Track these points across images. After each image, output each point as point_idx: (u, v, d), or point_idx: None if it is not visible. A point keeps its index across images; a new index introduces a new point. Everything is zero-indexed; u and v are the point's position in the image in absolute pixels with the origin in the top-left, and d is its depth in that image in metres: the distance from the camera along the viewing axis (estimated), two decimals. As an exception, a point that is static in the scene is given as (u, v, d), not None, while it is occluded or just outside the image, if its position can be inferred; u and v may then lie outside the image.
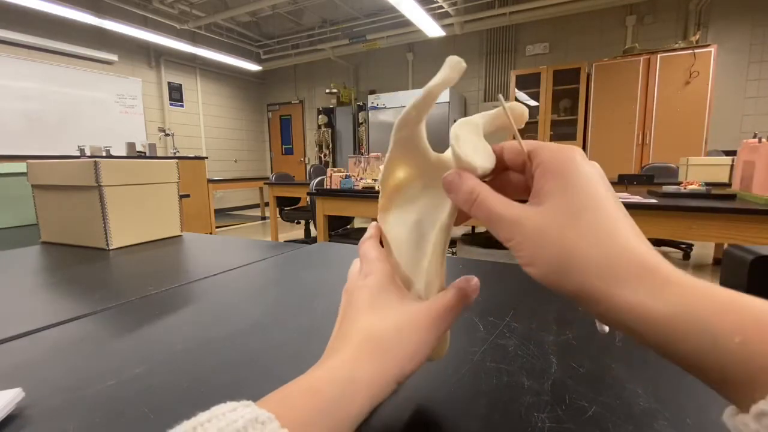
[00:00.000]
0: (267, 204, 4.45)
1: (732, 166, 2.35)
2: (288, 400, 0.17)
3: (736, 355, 0.13)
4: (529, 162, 0.20)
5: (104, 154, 4.17)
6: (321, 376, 0.18)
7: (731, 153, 3.01)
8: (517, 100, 4.77)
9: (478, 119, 0.23)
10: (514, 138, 0.21)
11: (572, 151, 0.19)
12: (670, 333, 0.14)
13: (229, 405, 0.15)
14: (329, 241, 2.35)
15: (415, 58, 6.03)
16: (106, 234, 0.77)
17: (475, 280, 0.24)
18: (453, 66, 0.21)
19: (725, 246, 0.47)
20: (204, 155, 5.28)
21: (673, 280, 0.15)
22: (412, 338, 0.20)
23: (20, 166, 1.10)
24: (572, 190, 0.17)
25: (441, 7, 4.80)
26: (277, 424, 0.15)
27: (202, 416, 0.15)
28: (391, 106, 5.54)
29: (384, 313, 0.21)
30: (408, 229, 0.26)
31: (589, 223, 0.17)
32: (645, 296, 0.15)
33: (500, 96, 0.24)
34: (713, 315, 0.14)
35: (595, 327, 0.21)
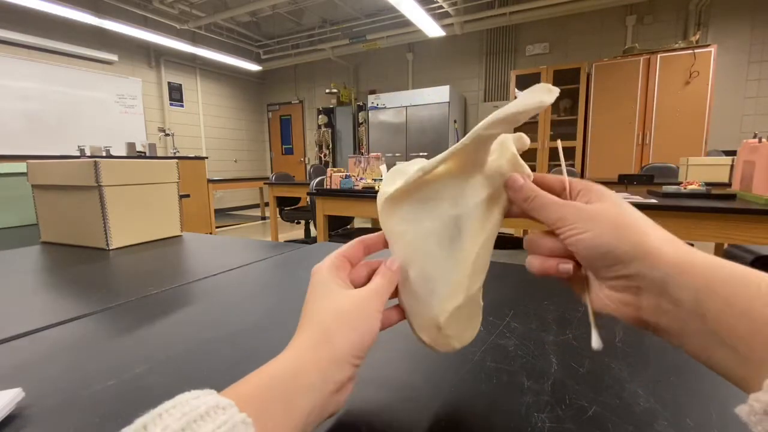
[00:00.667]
0: (267, 204, 4.45)
1: (732, 166, 2.35)
2: (247, 388, 0.18)
3: None
4: (568, 190, 0.25)
5: (104, 154, 4.17)
6: (276, 365, 0.20)
7: (731, 153, 3.01)
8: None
9: (512, 139, 0.28)
10: (547, 171, 0.27)
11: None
12: (710, 278, 0.18)
13: (193, 393, 0.16)
14: (329, 241, 2.35)
15: (415, 58, 6.03)
16: (106, 234, 0.77)
17: (396, 263, 0.26)
18: (553, 90, 0.24)
19: (725, 246, 0.47)
20: (204, 155, 5.28)
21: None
22: (350, 322, 0.22)
23: (20, 166, 1.10)
24: (612, 198, 0.23)
25: (441, 7, 4.80)
26: (236, 409, 0.16)
27: (167, 403, 0.16)
28: (391, 106, 5.54)
29: (327, 302, 0.23)
30: (438, 224, 0.27)
31: (632, 211, 0.22)
32: (687, 252, 0.19)
33: (558, 141, 0.30)
34: (750, 269, 0.17)
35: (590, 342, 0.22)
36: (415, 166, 0.29)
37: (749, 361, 0.15)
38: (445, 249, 0.26)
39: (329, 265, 0.25)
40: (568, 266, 0.23)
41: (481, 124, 0.24)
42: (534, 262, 0.25)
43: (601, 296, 0.22)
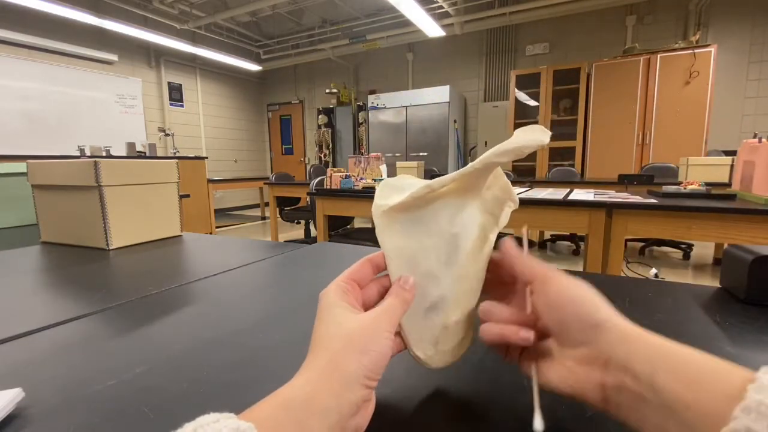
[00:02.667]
0: (267, 204, 4.45)
1: (732, 166, 2.35)
2: (262, 412, 0.18)
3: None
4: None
5: (104, 154, 4.17)
6: (289, 389, 0.20)
7: (731, 153, 3.02)
8: (517, 100, 4.80)
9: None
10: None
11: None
12: (662, 351, 0.19)
13: (213, 416, 0.16)
14: (329, 240, 2.35)
15: (415, 58, 6.03)
16: (106, 234, 0.77)
17: (410, 282, 0.26)
18: (546, 132, 0.26)
19: (725, 246, 0.47)
20: (204, 155, 5.29)
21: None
22: (359, 345, 0.22)
23: (20, 166, 1.10)
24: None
25: (441, 7, 4.80)
26: None
27: (187, 427, 0.16)
28: (391, 106, 5.54)
29: (335, 327, 0.23)
30: (438, 241, 0.27)
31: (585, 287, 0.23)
32: (637, 328, 0.21)
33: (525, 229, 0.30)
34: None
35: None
36: (411, 180, 0.30)
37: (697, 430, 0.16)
38: (443, 266, 0.27)
39: (336, 289, 0.25)
40: (529, 334, 0.23)
41: (490, 152, 0.25)
42: (492, 329, 0.25)
43: (561, 370, 0.22)
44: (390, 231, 0.28)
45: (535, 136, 0.25)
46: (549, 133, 0.26)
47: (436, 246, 0.27)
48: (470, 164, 0.26)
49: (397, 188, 0.29)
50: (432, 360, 0.28)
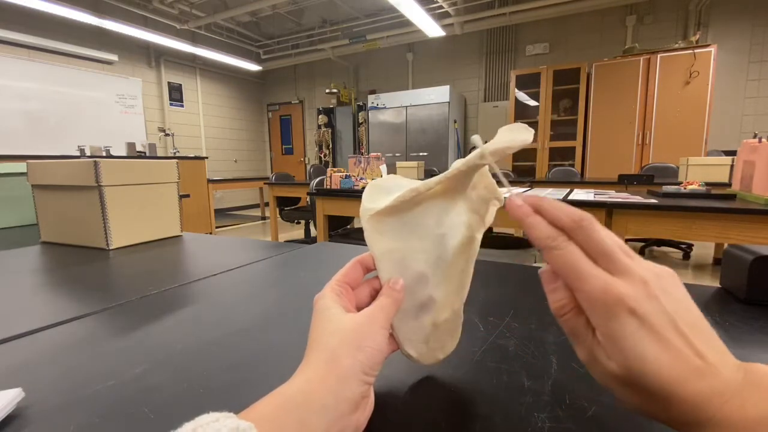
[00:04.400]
0: (267, 204, 4.45)
1: (732, 166, 2.35)
2: (262, 410, 0.19)
3: None
4: None
5: (104, 154, 4.17)
6: (288, 388, 0.20)
7: (731, 153, 3.02)
8: (517, 100, 4.80)
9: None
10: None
11: None
12: None
13: (212, 415, 0.17)
14: (329, 241, 2.35)
15: (415, 58, 6.03)
16: (106, 234, 0.77)
17: (400, 283, 0.27)
18: (530, 130, 0.25)
19: (725, 246, 0.47)
20: (204, 155, 5.28)
21: None
22: (355, 342, 0.22)
23: (20, 166, 1.10)
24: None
25: (441, 7, 4.80)
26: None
27: (187, 426, 0.16)
28: (391, 106, 5.54)
29: (331, 326, 0.23)
30: (426, 242, 0.28)
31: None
32: None
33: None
34: None
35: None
36: (397, 181, 0.30)
37: None
38: (432, 266, 0.27)
39: (330, 293, 0.25)
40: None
41: (473, 153, 0.25)
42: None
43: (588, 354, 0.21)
44: (378, 234, 0.28)
45: (519, 136, 0.25)
46: (532, 131, 0.25)
47: (424, 247, 0.28)
48: (454, 166, 0.26)
49: (384, 190, 0.30)
50: (423, 357, 0.29)
